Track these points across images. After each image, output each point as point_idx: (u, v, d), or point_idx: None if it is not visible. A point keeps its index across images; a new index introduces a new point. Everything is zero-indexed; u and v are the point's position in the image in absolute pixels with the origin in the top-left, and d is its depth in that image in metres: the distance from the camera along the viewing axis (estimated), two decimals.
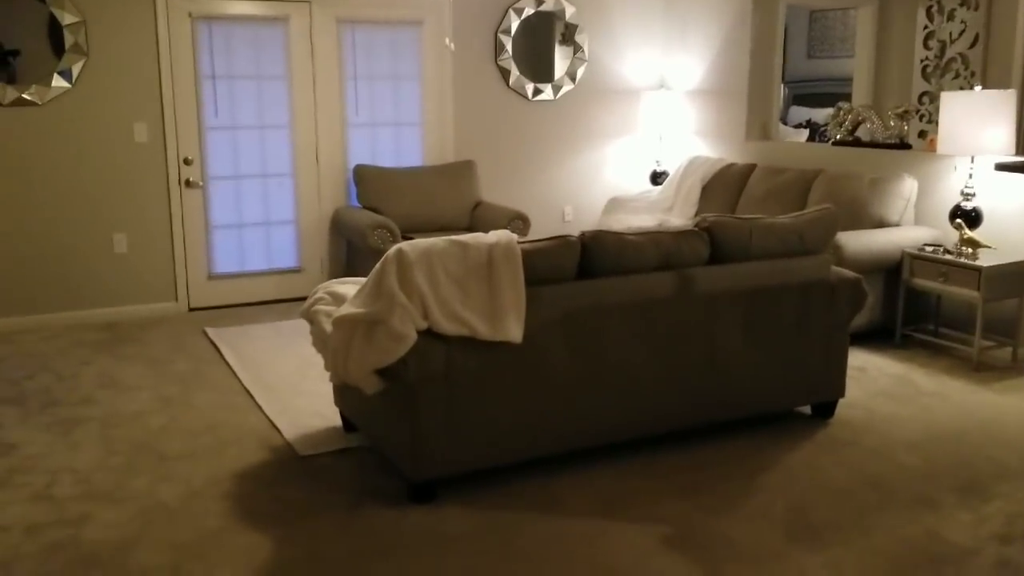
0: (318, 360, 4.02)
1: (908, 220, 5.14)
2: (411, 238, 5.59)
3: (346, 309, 3.07)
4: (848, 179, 5.30)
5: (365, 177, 6.04)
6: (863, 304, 3.85)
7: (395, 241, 5.51)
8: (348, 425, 3.71)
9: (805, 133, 8.70)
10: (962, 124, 4.64)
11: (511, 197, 6.71)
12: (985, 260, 4.58)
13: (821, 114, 9.10)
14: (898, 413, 3.98)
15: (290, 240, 6.16)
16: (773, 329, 3.65)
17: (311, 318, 3.41)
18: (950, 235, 4.94)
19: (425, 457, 3.03)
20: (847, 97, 8.71)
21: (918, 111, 5.69)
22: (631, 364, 3.37)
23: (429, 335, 2.97)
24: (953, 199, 4.96)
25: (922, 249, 4.83)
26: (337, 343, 3.04)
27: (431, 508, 3.04)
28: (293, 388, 4.25)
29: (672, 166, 7.00)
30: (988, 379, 4.44)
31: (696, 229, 3.55)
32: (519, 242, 3.20)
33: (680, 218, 6.31)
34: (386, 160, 6.34)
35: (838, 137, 5.80)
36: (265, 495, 3.14)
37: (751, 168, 6.12)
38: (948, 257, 4.68)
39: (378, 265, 3.05)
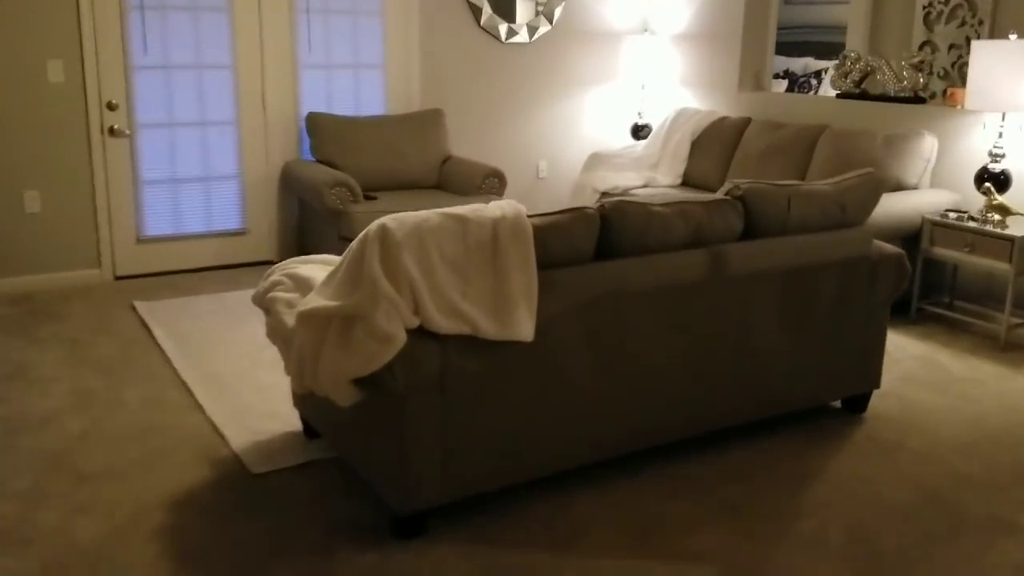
0: (273, 347, 3.42)
1: (926, 183, 4.66)
2: (373, 197, 4.95)
3: (315, 300, 2.46)
4: (859, 136, 4.80)
5: (320, 127, 5.34)
6: (905, 283, 3.37)
7: (355, 200, 4.86)
8: (310, 430, 3.11)
9: (783, 84, 8.21)
10: (994, 77, 4.16)
11: (481, 150, 6.08)
12: (1017, 229, 4.13)
13: (799, 64, 8.59)
14: (935, 404, 3.53)
15: (233, 198, 5.45)
16: (811, 313, 3.15)
17: (267, 306, 2.78)
18: (973, 200, 4.49)
19: (415, 485, 2.45)
20: (828, 47, 8.22)
21: (929, 63, 5.18)
22: (658, 359, 2.83)
23: (421, 334, 2.38)
24: (977, 160, 4.50)
25: (944, 215, 4.37)
26: (303, 344, 2.43)
27: (421, 547, 2.48)
28: (242, 379, 3.63)
29: (655, 119, 6.43)
30: (1020, 361, 4.03)
31: (729, 198, 2.99)
32: (528, 216, 2.61)
33: (668, 176, 5.78)
34: (344, 107, 5.64)
35: (843, 89, 5.28)
36: (208, 531, 2.53)
37: (746, 122, 5.58)
38: (974, 225, 4.23)
39: (355, 244, 2.43)
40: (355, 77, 5.67)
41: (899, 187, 4.57)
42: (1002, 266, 4.11)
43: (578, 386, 2.68)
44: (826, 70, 8.15)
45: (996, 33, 5.69)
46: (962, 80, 5.08)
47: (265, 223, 5.52)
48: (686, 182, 5.78)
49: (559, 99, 6.37)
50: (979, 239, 4.19)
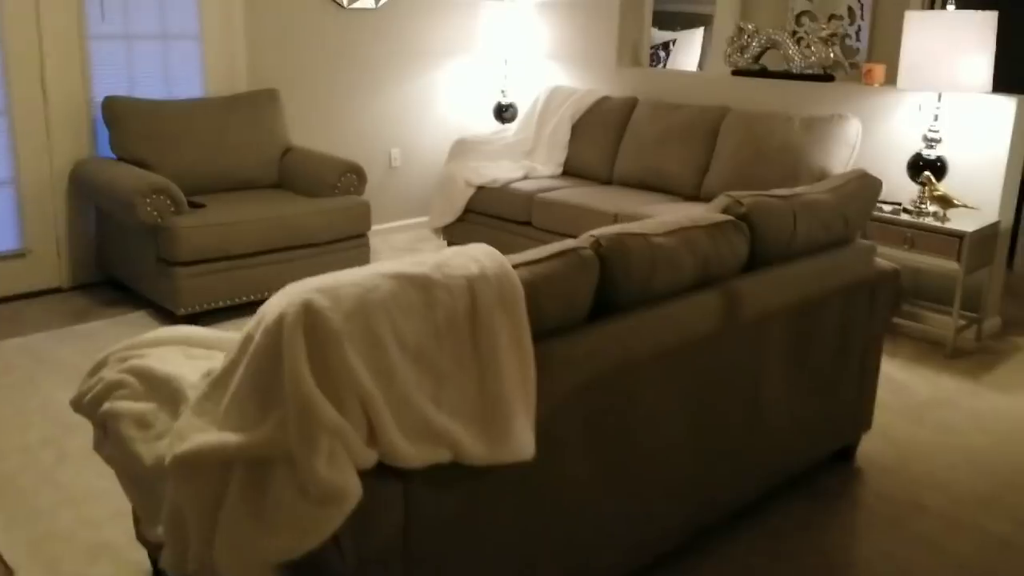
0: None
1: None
2: (200, 204, 3.90)
3: (196, 431, 1.52)
4: (770, 119, 4.28)
5: (122, 115, 4.17)
6: (899, 304, 2.83)
7: (178, 211, 3.78)
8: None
9: None
10: (930, 53, 3.72)
11: (322, 138, 5.09)
12: (962, 222, 3.74)
13: (658, 37, 8.13)
14: (920, 439, 3.04)
15: (6, 211, 4.18)
16: (813, 353, 2.53)
17: (102, 422, 1.79)
18: (898, 189, 4.07)
19: None
20: (688, 17, 7.77)
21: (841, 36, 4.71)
22: (661, 442, 2.10)
23: (377, 474, 1.51)
24: (901, 145, 4.09)
25: (878, 208, 3.92)
26: (183, 506, 1.50)
27: None
28: (43, 484, 2.57)
29: (521, 98, 5.67)
30: (973, 369, 3.65)
31: (732, 218, 2.29)
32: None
33: (548, 165, 5.05)
34: (151, 89, 4.47)
35: (739, 66, 4.75)
36: None
37: (632, 103, 4.94)
38: (923, 220, 3.80)
39: (259, 335, 1.52)
40: (163, 50, 4.51)
41: (823, 176, 4.07)
42: (949, 264, 3.70)
43: (576, 503, 1.90)
44: (674, 41, 7.71)
45: (880, 5, 5.37)
46: (844, 53, 4.67)
47: (51, 241, 4.29)
48: (567, 171, 5.08)
49: (411, 76, 5.47)
50: (921, 235, 3.77)
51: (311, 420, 1.41)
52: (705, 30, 7.49)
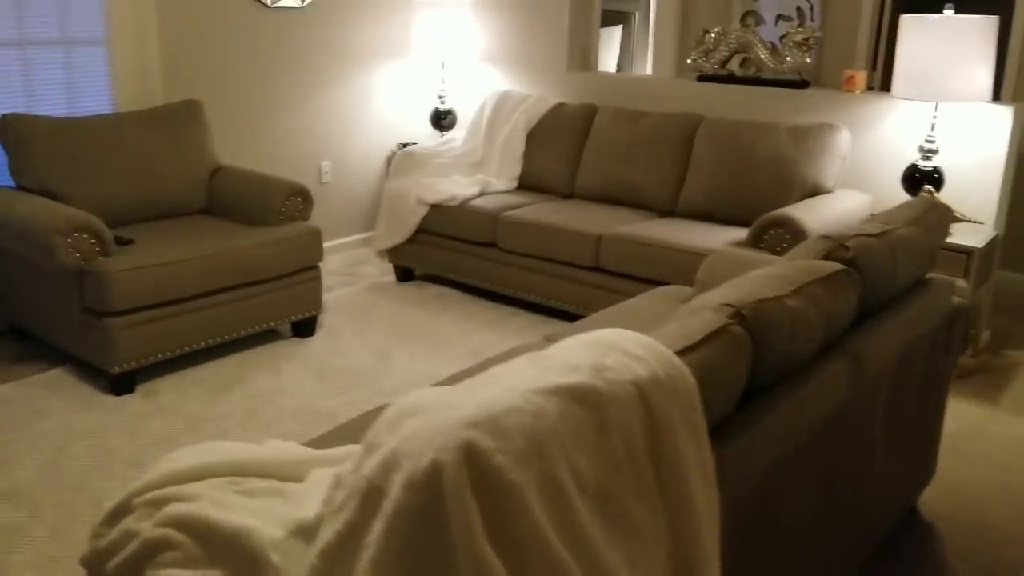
0: None
1: (840, 184, 4.00)
2: (127, 240, 3.36)
3: None
4: (752, 129, 4.03)
5: (23, 136, 3.52)
6: (967, 341, 2.61)
7: (104, 251, 3.20)
8: None
9: None
10: (928, 59, 3.55)
11: (248, 153, 4.53)
12: (966, 237, 3.59)
13: None
14: (975, 481, 2.85)
15: None
16: (905, 405, 2.26)
17: None
18: (887, 202, 3.90)
19: None
20: (605, 15, 7.48)
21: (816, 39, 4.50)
22: (803, 535, 1.77)
23: None
24: (889, 154, 3.93)
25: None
26: None
27: None
28: None
29: (461, 104, 5.25)
30: (985, 392, 3.51)
31: (844, 267, 1.97)
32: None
33: (502, 178, 4.67)
34: (52, 104, 3.82)
35: (705, 71, 4.49)
36: None
37: (591, 110, 4.61)
38: None
39: (400, 489, 1.09)
40: (64, 58, 3.86)
41: (816, 191, 3.86)
42: (956, 282, 3.54)
43: None
44: None
45: (830, 5, 5.23)
46: (775, 59, 4.46)
47: None
48: (523, 184, 4.70)
49: (341, 82, 4.96)
50: None
51: None
52: (623, 28, 7.25)
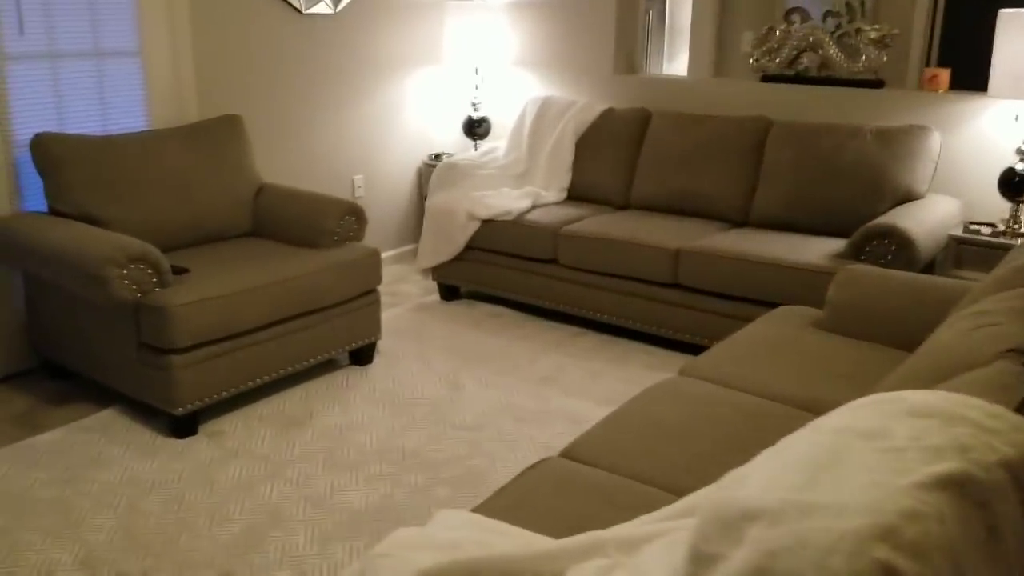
0: None
1: (931, 189, 3.81)
2: (183, 269, 3.08)
3: None
4: (834, 132, 3.84)
5: (61, 158, 3.22)
6: None
7: (161, 283, 2.92)
8: None
9: None
10: None
11: (282, 168, 4.25)
12: None
13: None
14: None
15: None
16: None
17: None
18: (978, 207, 3.75)
19: None
20: None
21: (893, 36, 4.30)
22: None
23: None
24: (980, 157, 3.76)
25: (973, 230, 3.56)
26: None
27: None
28: None
29: (494, 111, 5.01)
30: None
31: None
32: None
33: (550, 188, 4.44)
34: (85, 121, 3.52)
35: (771, 71, 4.29)
36: None
37: (644, 115, 4.39)
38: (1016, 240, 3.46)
39: None
40: (96, 71, 3.55)
41: (907, 197, 3.67)
42: None
43: None
44: None
45: (883, 8, 5.07)
46: (847, 55, 4.26)
47: None
48: (572, 195, 4.47)
49: (372, 92, 4.69)
50: None
51: None
52: None
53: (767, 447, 1.52)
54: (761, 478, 1.07)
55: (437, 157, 5.01)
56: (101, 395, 3.22)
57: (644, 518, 1.35)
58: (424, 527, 1.34)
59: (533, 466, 1.85)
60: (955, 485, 0.98)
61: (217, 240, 3.59)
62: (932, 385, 1.34)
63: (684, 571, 1.00)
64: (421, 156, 5.04)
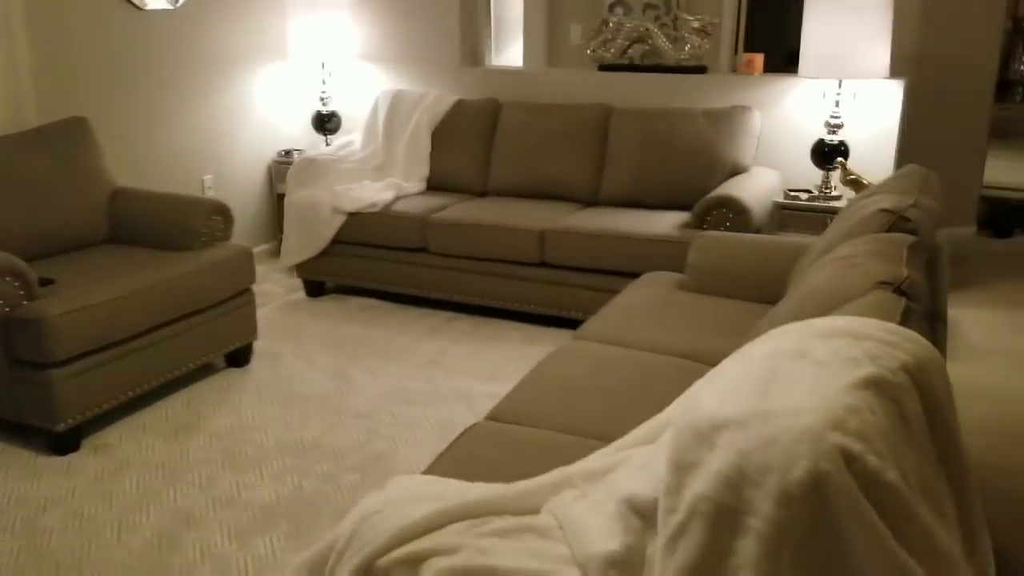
0: None
1: (754, 162, 4.21)
2: (49, 280, 2.98)
3: None
4: (669, 115, 4.16)
5: None
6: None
7: (29, 295, 2.81)
8: None
9: None
10: (834, 39, 3.80)
11: (131, 170, 4.10)
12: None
13: None
14: None
15: None
16: None
17: None
18: (794, 177, 4.18)
19: None
20: None
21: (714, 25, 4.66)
22: None
23: None
24: (793, 131, 4.19)
25: (793, 196, 3.97)
26: None
27: None
28: None
29: (343, 106, 5.04)
30: None
31: (917, 238, 2.08)
32: None
33: (409, 180, 4.53)
34: None
35: (607, 60, 4.57)
36: None
37: (494, 105, 4.57)
38: (833, 205, 3.89)
39: (771, 506, 1.05)
40: None
41: (735, 171, 4.04)
42: None
43: None
44: None
45: None
46: (675, 46, 4.63)
47: None
48: (432, 185, 4.59)
49: (218, 89, 4.61)
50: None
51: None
52: None
53: (667, 393, 1.73)
54: (714, 399, 1.25)
55: (287, 153, 4.98)
56: None
57: (598, 453, 1.51)
58: (413, 477, 1.44)
59: (464, 432, 1.97)
60: (875, 385, 1.20)
61: (73, 250, 3.45)
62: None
63: (668, 480, 1.17)
64: (271, 153, 5.00)
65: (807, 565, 1.03)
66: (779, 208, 3.93)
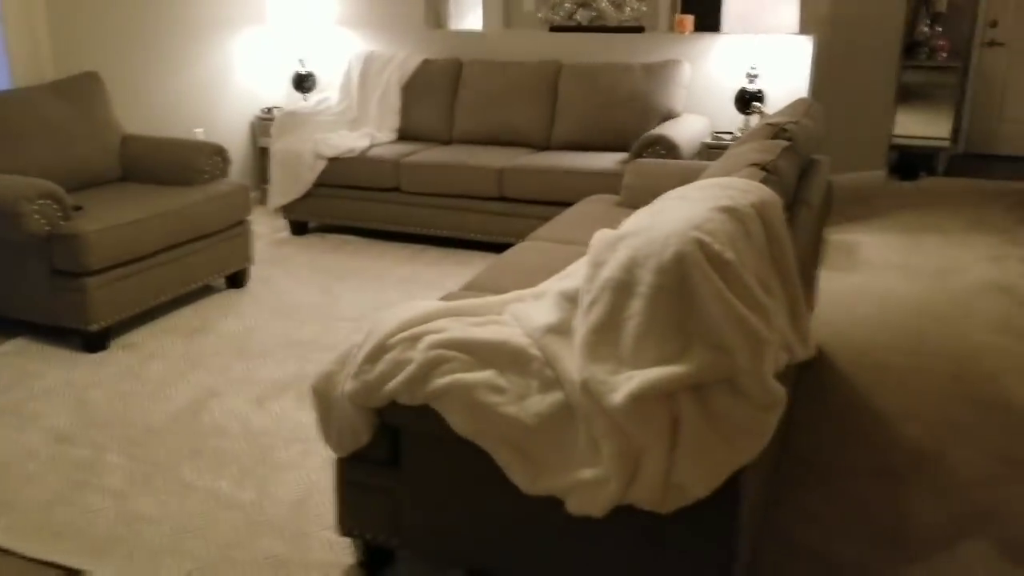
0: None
1: (685, 109, 4.80)
2: (78, 207, 3.48)
3: (612, 374, 1.60)
4: (611, 70, 4.73)
5: None
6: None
7: (66, 217, 3.31)
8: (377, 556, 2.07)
9: None
10: (748, 1, 4.41)
11: (131, 123, 4.58)
12: None
13: None
14: (834, 316, 3.73)
15: None
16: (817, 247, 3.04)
17: (433, 398, 1.72)
18: (719, 121, 4.78)
19: None
20: None
21: None
22: None
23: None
24: (719, 82, 4.78)
25: (719, 139, 4.58)
26: (654, 438, 1.57)
27: None
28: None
29: (319, 66, 5.54)
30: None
31: (790, 144, 2.68)
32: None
33: (381, 130, 5.06)
34: None
35: (555, 23, 5.14)
36: None
37: (457, 63, 5.11)
38: None
39: (653, 274, 1.63)
40: None
41: (668, 116, 4.64)
42: None
43: None
44: None
45: None
46: (617, 10, 5.22)
47: None
48: (402, 135, 5.12)
49: (206, 50, 5.09)
50: None
51: (756, 338, 1.58)
52: None
53: None
54: (623, 226, 1.83)
55: (269, 111, 5.47)
56: (3, 329, 3.53)
57: (541, 284, 2.09)
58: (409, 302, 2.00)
59: (442, 297, 2.54)
60: (728, 211, 1.79)
61: (95, 185, 3.93)
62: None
63: (587, 273, 1.74)
64: (253, 110, 5.48)
65: (674, 313, 1.61)
66: (707, 148, 4.53)
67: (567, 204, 4.20)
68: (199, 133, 5.09)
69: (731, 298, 1.59)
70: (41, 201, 3.23)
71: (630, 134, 4.50)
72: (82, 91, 4.01)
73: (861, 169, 5.78)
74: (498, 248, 4.53)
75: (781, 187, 2.23)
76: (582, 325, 1.70)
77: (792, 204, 2.47)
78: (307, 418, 2.82)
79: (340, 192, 4.77)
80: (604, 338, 1.65)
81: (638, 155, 4.20)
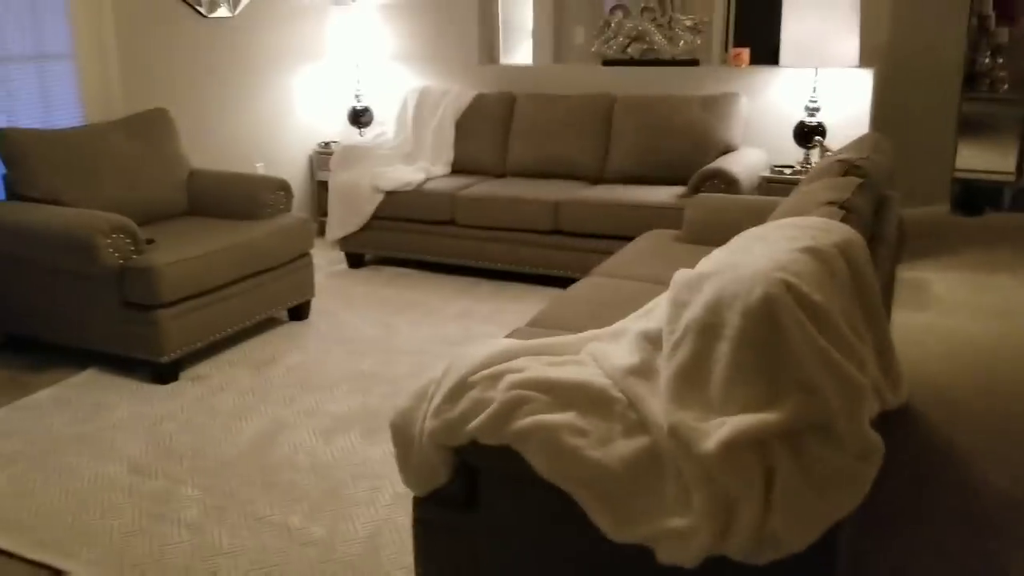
0: None
1: (743, 143, 4.79)
2: (150, 240, 3.54)
3: (700, 420, 1.59)
4: (667, 102, 4.74)
5: (22, 148, 3.60)
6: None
7: (138, 250, 3.38)
8: None
9: None
10: (809, 31, 4.38)
11: (196, 158, 4.68)
12: None
13: None
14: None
15: None
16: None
17: (515, 440, 1.72)
18: (779, 155, 4.75)
19: None
20: None
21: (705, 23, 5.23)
22: None
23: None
24: (777, 115, 4.76)
25: (779, 172, 4.55)
26: (746, 488, 1.55)
27: None
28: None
29: (375, 101, 5.63)
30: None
31: (865, 180, 2.66)
32: None
33: (436, 164, 5.11)
34: (30, 117, 3.88)
35: (609, 56, 5.16)
36: None
37: (510, 97, 5.16)
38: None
39: (738, 318, 1.61)
40: (39, 73, 3.92)
41: (726, 150, 4.62)
42: None
43: None
44: None
45: None
46: (670, 43, 5.19)
47: None
48: (456, 169, 5.17)
49: (267, 86, 5.21)
50: None
51: (852, 384, 1.56)
52: None
53: None
54: (704, 265, 1.83)
55: (326, 145, 5.56)
56: (75, 360, 3.61)
57: (617, 323, 2.08)
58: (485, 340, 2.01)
59: (510, 334, 2.54)
60: (810, 251, 1.78)
61: (162, 219, 4.02)
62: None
63: (669, 314, 1.74)
64: (311, 144, 5.58)
65: (763, 358, 1.60)
66: (766, 182, 4.51)
67: (622, 237, 4.22)
68: (260, 167, 5.19)
69: (823, 343, 1.57)
70: (115, 235, 3.31)
71: (686, 167, 4.49)
72: (152, 127, 4.12)
73: (923, 204, 5.70)
74: (552, 281, 4.56)
75: (861, 226, 2.21)
76: (666, 368, 1.69)
77: (869, 242, 2.45)
78: (374, 453, 2.84)
79: (396, 225, 4.82)
80: (690, 382, 1.64)
81: (696, 189, 4.19)
